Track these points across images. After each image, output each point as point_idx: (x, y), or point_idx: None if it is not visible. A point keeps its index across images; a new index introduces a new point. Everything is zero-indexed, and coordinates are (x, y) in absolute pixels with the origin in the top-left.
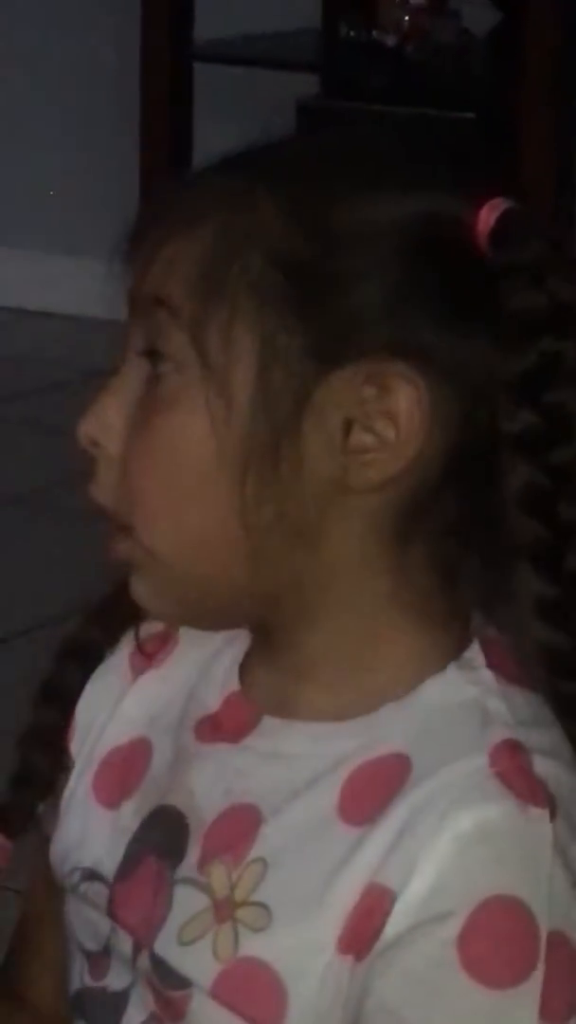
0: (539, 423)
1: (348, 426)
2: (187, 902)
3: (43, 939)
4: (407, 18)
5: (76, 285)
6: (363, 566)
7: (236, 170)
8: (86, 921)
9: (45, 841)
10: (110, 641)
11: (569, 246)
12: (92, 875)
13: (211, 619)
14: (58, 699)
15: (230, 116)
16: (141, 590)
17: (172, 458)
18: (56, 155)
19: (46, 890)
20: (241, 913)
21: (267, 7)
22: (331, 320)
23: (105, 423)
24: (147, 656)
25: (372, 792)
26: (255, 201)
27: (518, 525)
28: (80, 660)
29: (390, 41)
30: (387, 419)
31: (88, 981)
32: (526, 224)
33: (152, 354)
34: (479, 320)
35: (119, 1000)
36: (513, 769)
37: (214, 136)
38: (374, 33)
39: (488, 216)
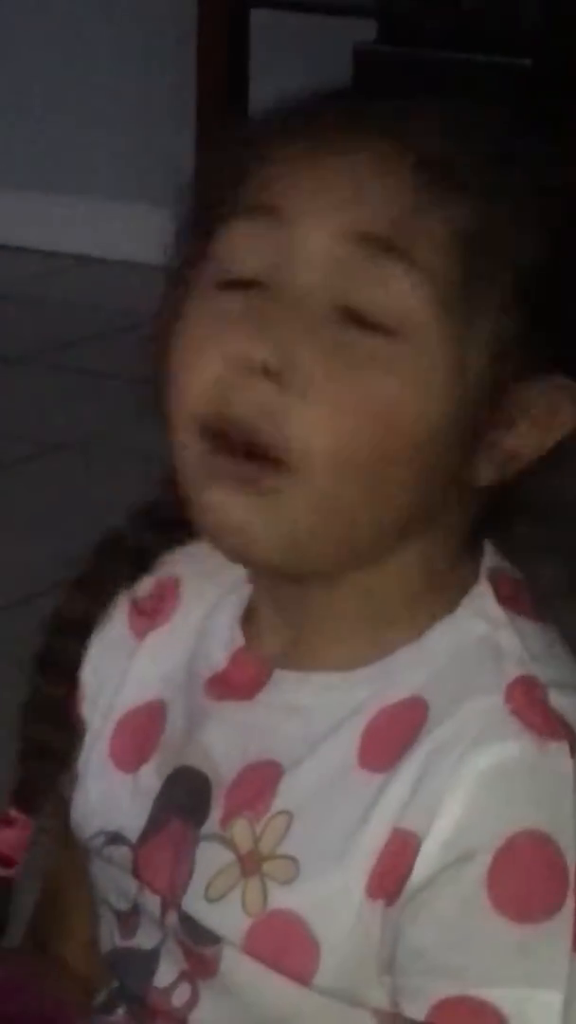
0: None
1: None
2: (211, 859)
3: (67, 899)
4: None
5: (130, 232)
6: (444, 534)
7: (490, 143)
8: (113, 882)
9: (64, 803)
10: (99, 609)
11: None
12: (116, 838)
13: (299, 566)
14: (58, 670)
15: (287, 62)
16: (258, 524)
17: (392, 422)
18: (113, 104)
19: (67, 851)
20: (268, 867)
21: None
22: (558, 328)
23: (292, 360)
24: (147, 616)
25: (391, 738)
26: (513, 191)
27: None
28: (73, 630)
29: None
30: (549, 432)
31: (119, 941)
32: None
33: (351, 312)
34: None
35: (150, 959)
36: (529, 705)
37: (270, 83)
38: None
39: None
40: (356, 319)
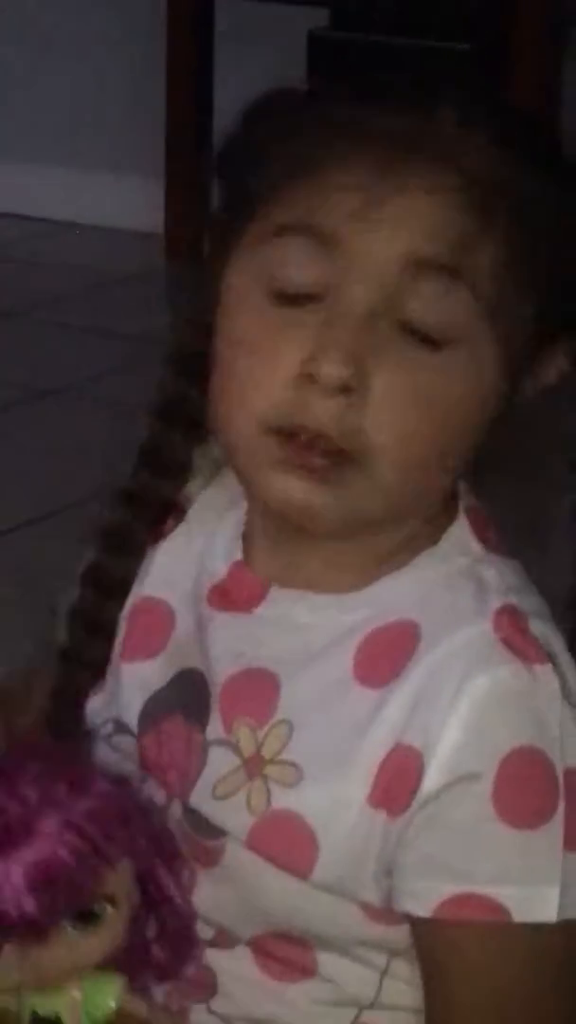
0: None
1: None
2: (219, 761)
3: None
4: None
5: (112, 199)
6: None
7: (536, 163)
8: (117, 770)
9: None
10: (146, 524)
11: None
12: (121, 727)
13: (344, 535)
14: (105, 583)
15: (248, 45)
16: (314, 504)
17: (450, 424)
18: (90, 82)
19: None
20: (271, 770)
21: None
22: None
23: (366, 378)
24: (159, 528)
25: (385, 657)
26: (552, 207)
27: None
28: (119, 544)
29: None
30: (545, 379)
31: None
32: None
33: (409, 326)
34: None
35: None
36: (515, 633)
37: (233, 64)
38: None
39: None
40: (414, 333)
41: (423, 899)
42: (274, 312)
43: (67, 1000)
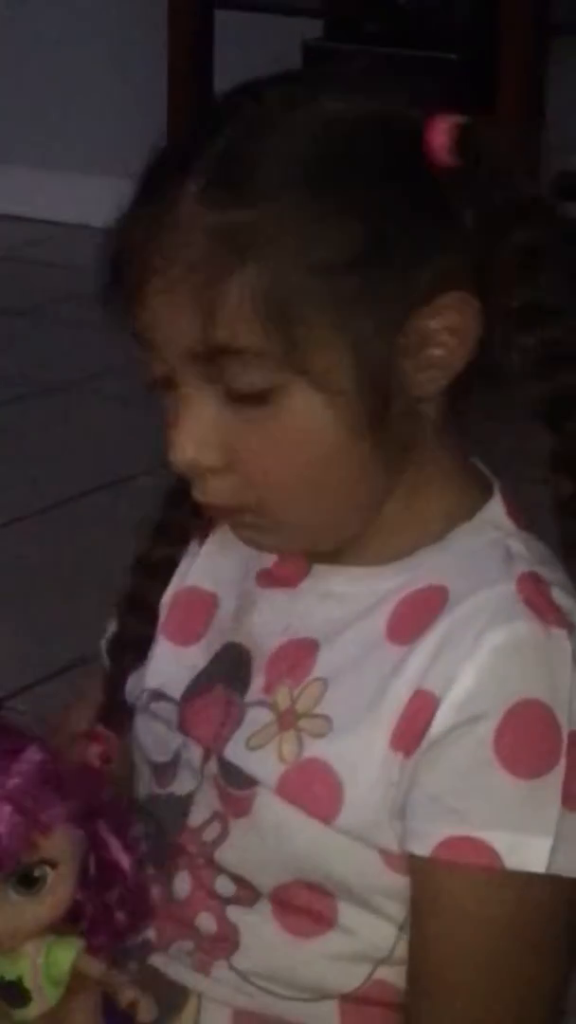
0: (532, 293)
1: (423, 348)
2: (254, 719)
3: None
4: None
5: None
6: (428, 451)
7: (236, 203)
8: (155, 736)
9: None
10: (190, 517)
11: (538, 169)
12: (159, 695)
13: (315, 543)
14: (156, 572)
15: (245, 54)
16: (265, 544)
17: (304, 449)
18: (94, 91)
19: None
20: (304, 723)
21: None
22: (388, 292)
23: (202, 446)
24: (206, 526)
25: (415, 616)
26: (275, 230)
27: (525, 389)
28: (170, 537)
29: None
30: (450, 334)
31: (155, 789)
32: (489, 131)
33: (236, 390)
34: (458, 219)
35: (185, 803)
36: (536, 595)
37: (232, 71)
38: None
39: (445, 126)
40: (239, 398)
41: (423, 839)
42: (164, 397)
43: (27, 963)
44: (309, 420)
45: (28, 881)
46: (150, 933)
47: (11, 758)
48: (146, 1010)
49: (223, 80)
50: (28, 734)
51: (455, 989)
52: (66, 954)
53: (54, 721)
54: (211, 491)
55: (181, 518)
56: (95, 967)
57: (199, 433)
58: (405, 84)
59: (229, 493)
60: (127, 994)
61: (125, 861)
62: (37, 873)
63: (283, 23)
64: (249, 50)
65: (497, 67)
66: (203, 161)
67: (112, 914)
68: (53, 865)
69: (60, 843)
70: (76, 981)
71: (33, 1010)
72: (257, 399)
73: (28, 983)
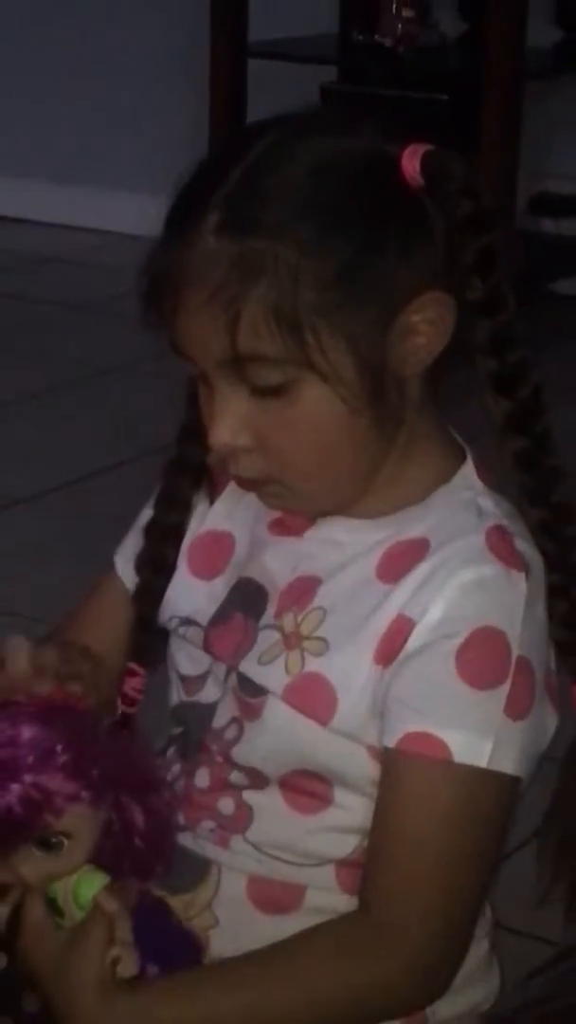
0: (486, 290)
1: (408, 338)
2: (266, 640)
3: (94, 628)
4: (400, 26)
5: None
6: (412, 423)
7: (248, 234)
8: (186, 654)
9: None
10: (190, 484)
11: (514, 191)
12: (189, 621)
13: (327, 504)
14: (177, 505)
15: (273, 95)
16: (288, 506)
17: (318, 430)
18: (147, 122)
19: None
20: (306, 643)
21: (300, 17)
22: (375, 296)
23: (235, 432)
24: (220, 482)
25: (401, 561)
26: (279, 254)
27: (485, 365)
28: (190, 473)
29: (388, 43)
30: (429, 324)
31: (184, 697)
32: (450, 159)
33: (258, 386)
34: (429, 232)
35: (210, 709)
36: (501, 545)
37: (262, 111)
38: (376, 37)
39: (415, 156)
40: (261, 391)
41: (391, 733)
42: (200, 387)
43: (61, 888)
44: (319, 406)
45: (47, 845)
46: (180, 816)
47: (42, 756)
48: (127, 966)
49: (256, 112)
50: (60, 705)
51: (404, 857)
52: (88, 888)
53: (63, 628)
54: (243, 467)
55: (185, 485)
56: (110, 904)
57: (232, 422)
58: (403, 122)
59: (258, 468)
60: (112, 951)
61: (140, 821)
62: (54, 840)
63: (306, 69)
64: (277, 92)
65: (482, 106)
66: (218, 200)
67: (129, 862)
68: (69, 836)
69: (73, 820)
70: (94, 911)
71: (67, 922)
72: (276, 392)
73: (60, 903)
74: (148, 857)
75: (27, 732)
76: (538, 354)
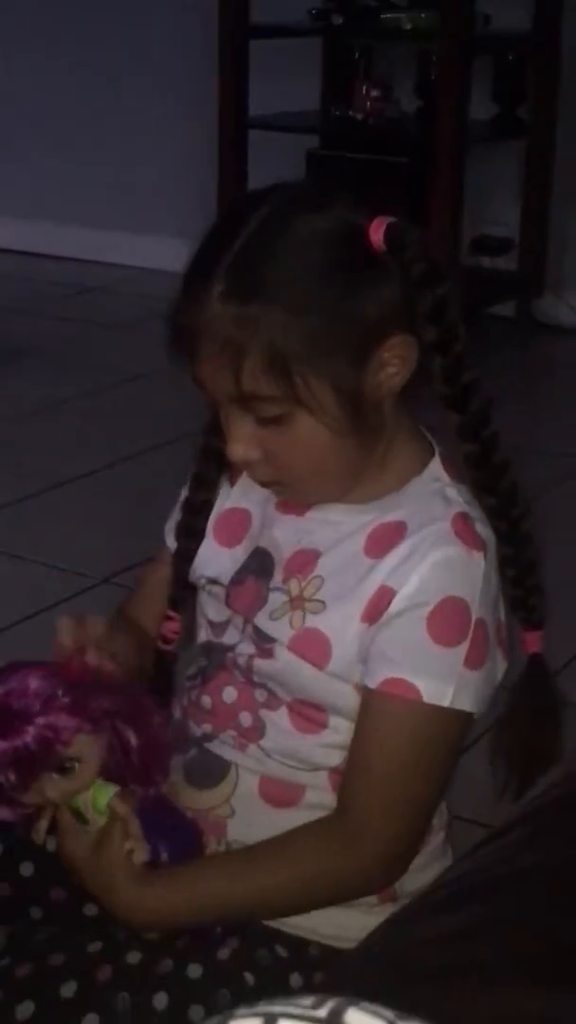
0: (439, 333)
1: (381, 370)
2: (275, 599)
3: (150, 595)
4: (369, 103)
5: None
6: (389, 430)
7: (245, 300)
8: (213, 606)
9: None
10: (215, 469)
11: (459, 234)
12: (214, 581)
13: (323, 499)
14: (205, 485)
15: (267, 159)
16: (293, 499)
17: (310, 450)
18: (166, 180)
19: (155, 574)
20: (308, 605)
21: (290, 97)
22: (351, 342)
23: (246, 448)
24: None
25: (384, 540)
26: (271, 316)
27: (441, 389)
28: (215, 459)
29: (359, 116)
30: (398, 359)
31: (211, 637)
32: (407, 229)
33: (261, 416)
34: (394, 287)
35: (229, 648)
36: (464, 529)
37: (261, 170)
38: (350, 112)
39: (380, 227)
40: (267, 421)
41: (373, 676)
42: (217, 410)
43: (83, 798)
44: (309, 432)
45: (62, 769)
46: (207, 726)
47: (48, 701)
48: (139, 855)
49: (255, 172)
50: (64, 664)
51: (378, 772)
52: (102, 797)
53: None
54: (257, 474)
55: (212, 469)
56: (121, 807)
57: (243, 442)
58: (372, 179)
59: (267, 475)
60: (127, 842)
61: (135, 741)
62: (67, 765)
63: (294, 137)
64: (271, 154)
65: (433, 166)
66: (221, 272)
67: (131, 774)
68: (79, 759)
69: (80, 747)
70: (110, 812)
71: (91, 827)
72: (275, 421)
73: (83, 811)
74: (146, 769)
75: (33, 683)
76: (480, 362)
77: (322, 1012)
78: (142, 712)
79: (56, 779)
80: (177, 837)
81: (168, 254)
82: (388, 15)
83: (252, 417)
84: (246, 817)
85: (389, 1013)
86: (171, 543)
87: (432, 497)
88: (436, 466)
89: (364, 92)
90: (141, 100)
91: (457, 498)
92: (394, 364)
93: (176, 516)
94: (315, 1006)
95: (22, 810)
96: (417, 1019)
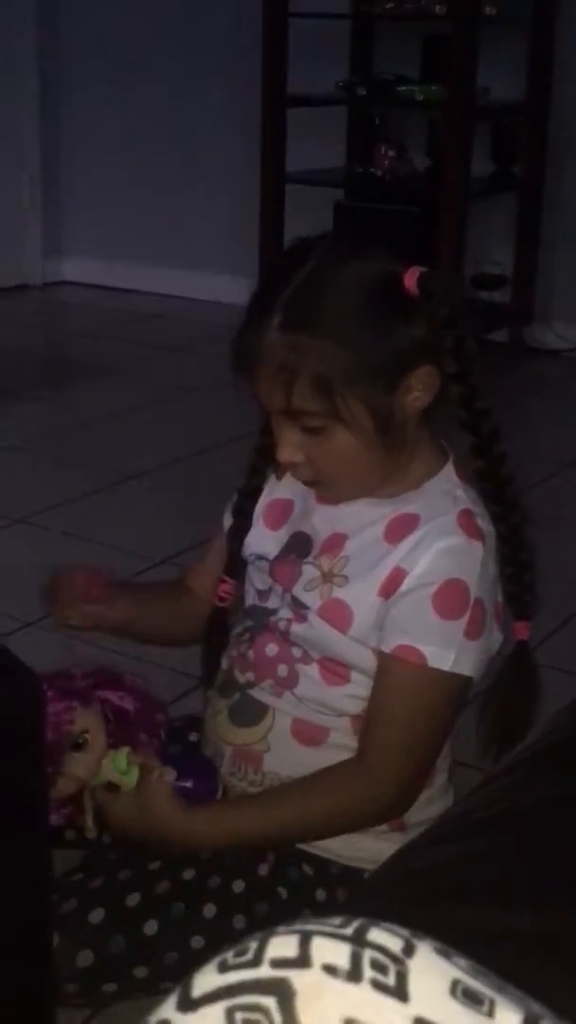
0: (458, 366)
1: (408, 395)
2: (309, 573)
3: (208, 567)
4: (387, 162)
5: (237, 292)
6: (412, 441)
7: (299, 331)
8: (259, 577)
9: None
10: (267, 464)
11: (462, 272)
12: (260, 557)
13: (356, 496)
14: (257, 474)
15: (300, 209)
16: (331, 496)
17: (345, 458)
18: (215, 228)
19: (215, 555)
20: (335, 579)
21: (321, 156)
22: (385, 371)
23: (293, 452)
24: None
25: (400, 529)
26: (320, 346)
27: (458, 413)
28: (266, 455)
29: (379, 173)
30: (423, 386)
31: (257, 602)
32: (436, 277)
33: (306, 427)
34: (422, 326)
35: (272, 611)
36: (467, 523)
37: (297, 219)
38: (371, 169)
39: (413, 275)
40: (311, 432)
41: (387, 642)
42: (270, 419)
43: (105, 768)
44: (345, 443)
45: (78, 745)
46: (251, 675)
47: (57, 696)
48: (168, 774)
49: (291, 220)
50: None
51: (389, 729)
52: (121, 757)
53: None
54: (300, 474)
55: (264, 462)
56: (140, 756)
57: (290, 447)
58: (389, 228)
59: (308, 475)
60: (159, 769)
61: (125, 702)
62: (80, 740)
63: (323, 190)
64: (305, 205)
65: (441, 216)
66: (279, 306)
67: (131, 731)
68: (88, 731)
69: (82, 720)
70: (140, 769)
71: (126, 789)
72: (317, 432)
73: (111, 779)
74: (146, 716)
75: None
76: None
77: (348, 931)
78: (112, 678)
79: (76, 757)
80: (196, 765)
81: (215, 288)
82: (403, 87)
83: (298, 427)
84: (279, 752)
85: (404, 931)
86: (227, 521)
87: (443, 496)
88: (449, 471)
89: (383, 152)
90: (194, 160)
91: (464, 497)
92: (419, 390)
93: (232, 499)
94: (343, 925)
95: (61, 810)
96: (428, 936)
